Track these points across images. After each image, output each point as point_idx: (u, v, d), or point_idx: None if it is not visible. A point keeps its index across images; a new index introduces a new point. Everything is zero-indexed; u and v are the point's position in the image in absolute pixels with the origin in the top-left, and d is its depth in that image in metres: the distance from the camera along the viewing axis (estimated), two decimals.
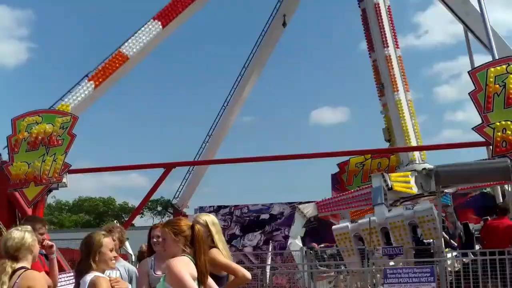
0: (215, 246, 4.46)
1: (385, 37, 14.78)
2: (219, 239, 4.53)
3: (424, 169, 12.97)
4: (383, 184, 11.97)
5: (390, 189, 12.11)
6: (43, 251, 5.34)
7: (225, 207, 20.41)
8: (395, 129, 14.36)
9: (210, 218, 4.61)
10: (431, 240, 12.83)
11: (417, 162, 13.54)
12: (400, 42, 15.55)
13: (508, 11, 70.68)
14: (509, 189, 12.40)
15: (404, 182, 12.56)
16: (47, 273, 5.15)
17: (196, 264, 3.77)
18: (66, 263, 10.93)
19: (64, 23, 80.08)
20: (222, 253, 4.44)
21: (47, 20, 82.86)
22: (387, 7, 15.19)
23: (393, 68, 14.54)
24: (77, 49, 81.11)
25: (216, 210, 20.17)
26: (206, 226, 4.49)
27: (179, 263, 3.71)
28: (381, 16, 14.96)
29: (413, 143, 13.99)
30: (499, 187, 16.60)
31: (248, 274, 4.42)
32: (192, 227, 3.90)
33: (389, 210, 12.48)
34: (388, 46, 14.75)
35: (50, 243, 5.36)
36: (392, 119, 14.43)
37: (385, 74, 14.59)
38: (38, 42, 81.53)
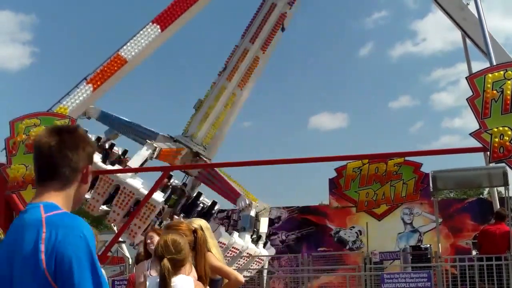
0: (209, 250, 4.53)
1: (257, 35, 15.67)
2: (212, 243, 4.63)
3: None
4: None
5: None
6: None
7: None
8: (203, 107, 15.58)
9: (204, 223, 4.70)
10: (429, 245, 12.84)
11: None
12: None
13: (506, 19, 70.73)
14: (507, 195, 12.38)
15: None
16: None
17: (196, 268, 3.80)
18: None
19: (67, 28, 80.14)
20: (216, 257, 4.52)
21: (50, 25, 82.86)
22: (279, 13, 15.90)
23: (242, 62, 15.63)
24: (80, 54, 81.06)
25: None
26: (201, 231, 4.56)
27: None
28: (269, 16, 15.77)
29: (205, 129, 15.53)
30: (496, 192, 16.63)
31: (240, 277, 4.53)
32: (194, 232, 3.94)
33: None
34: (253, 43, 15.64)
35: None
36: (208, 99, 15.68)
37: (233, 62, 15.73)
38: (41, 47, 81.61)
